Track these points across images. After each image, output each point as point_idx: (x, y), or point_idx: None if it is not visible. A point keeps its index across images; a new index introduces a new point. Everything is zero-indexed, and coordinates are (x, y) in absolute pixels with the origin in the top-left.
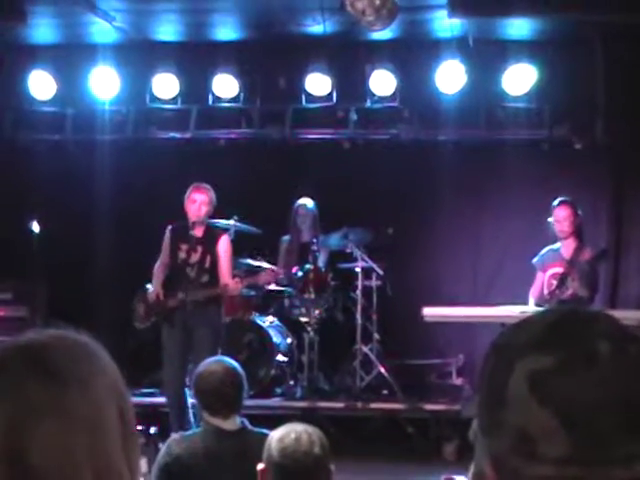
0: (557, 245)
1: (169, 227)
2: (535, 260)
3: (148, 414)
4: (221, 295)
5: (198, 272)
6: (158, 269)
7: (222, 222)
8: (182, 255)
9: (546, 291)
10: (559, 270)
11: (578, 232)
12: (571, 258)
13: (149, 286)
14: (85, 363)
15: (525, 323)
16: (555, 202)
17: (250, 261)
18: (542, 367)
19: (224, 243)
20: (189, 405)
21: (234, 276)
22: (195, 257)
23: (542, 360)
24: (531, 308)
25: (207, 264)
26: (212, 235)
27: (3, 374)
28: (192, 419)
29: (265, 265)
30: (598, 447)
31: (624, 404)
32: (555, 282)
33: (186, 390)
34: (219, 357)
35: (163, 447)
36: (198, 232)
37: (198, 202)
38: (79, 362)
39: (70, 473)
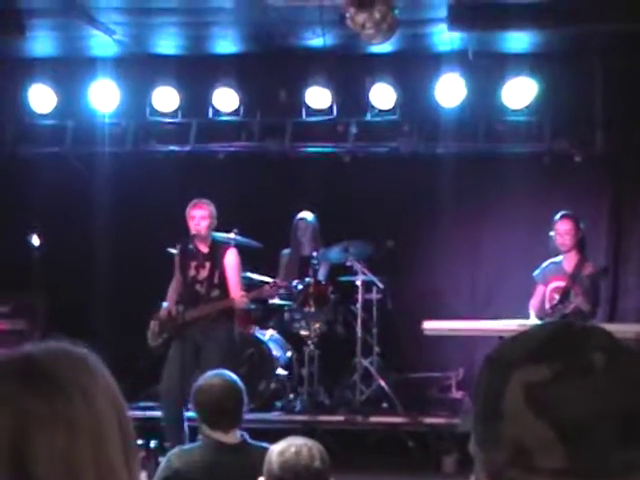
0: (559, 258)
1: (177, 245)
2: (536, 273)
3: (148, 428)
4: (231, 310)
5: (208, 288)
6: (173, 286)
7: (222, 235)
8: (191, 272)
9: (548, 305)
10: (561, 284)
11: (580, 246)
12: (573, 272)
13: (164, 304)
14: (85, 374)
15: (520, 336)
16: (557, 216)
17: (250, 275)
18: (538, 379)
19: (231, 256)
20: (185, 419)
21: (245, 290)
22: (204, 273)
23: (538, 372)
24: (531, 321)
25: (216, 279)
26: (218, 250)
27: (4, 386)
28: (187, 433)
29: (266, 279)
30: (594, 458)
31: (620, 415)
32: (557, 296)
33: (181, 404)
34: (219, 371)
35: (163, 461)
36: (204, 248)
37: (197, 217)
38: (80, 373)
39: None
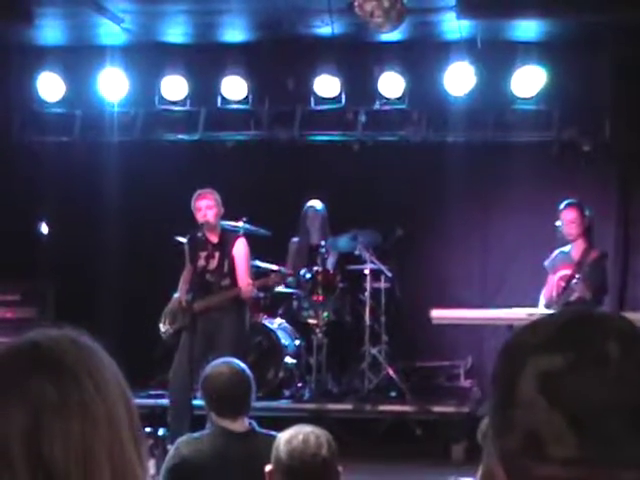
0: (568, 247)
1: (188, 235)
2: (546, 263)
3: (156, 416)
4: (242, 299)
5: (218, 277)
6: (184, 276)
7: (231, 224)
8: (201, 262)
9: (555, 293)
10: (568, 272)
11: (587, 234)
12: (580, 260)
13: (175, 294)
14: (92, 360)
15: (537, 324)
16: (562, 205)
17: (259, 263)
18: (552, 368)
19: (240, 246)
20: (190, 409)
21: (254, 279)
22: (213, 263)
23: (552, 361)
24: (539, 310)
25: (225, 268)
26: (228, 239)
27: (14, 373)
28: (189, 423)
29: (274, 267)
30: (607, 448)
31: (633, 406)
32: (563, 284)
33: (190, 394)
34: (227, 359)
35: (171, 449)
36: (214, 238)
37: (203, 208)
38: (87, 359)
39: (91, 471)
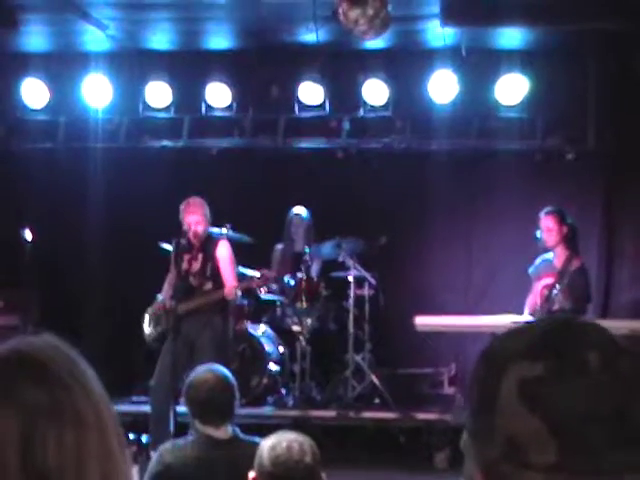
0: (550, 255)
1: (174, 240)
2: (530, 270)
3: (140, 423)
4: (225, 304)
5: (200, 280)
6: (168, 280)
7: (215, 231)
8: (185, 265)
9: (538, 302)
10: (551, 281)
11: (567, 242)
12: (562, 268)
13: (159, 296)
14: (77, 366)
15: (516, 332)
16: (541, 213)
17: (242, 269)
18: (532, 375)
19: (222, 248)
20: (171, 416)
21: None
22: (196, 266)
23: (533, 368)
24: (523, 318)
25: (208, 272)
26: (210, 242)
27: (4, 382)
28: (172, 430)
29: (257, 274)
30: (587, 456)
31: (614, 414)
32: (546, 292)
33: (170, 401)
34: (211, 366)
35: (154, 456)
36: (197, 242)
37: (192, 224)
38: (72, 365)
39: (83, 477)
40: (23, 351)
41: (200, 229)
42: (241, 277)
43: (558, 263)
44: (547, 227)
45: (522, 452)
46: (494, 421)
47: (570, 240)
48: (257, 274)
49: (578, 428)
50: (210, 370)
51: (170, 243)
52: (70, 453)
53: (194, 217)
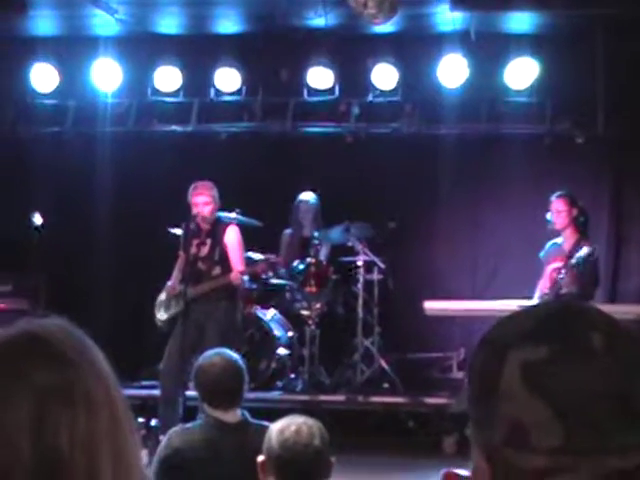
0: (560, 239)
1: (183, 224)
2: (541, 254)
3: (149, 407)
4: (233, 289)
5: (209, 265)
6: (178, 264)
7: (224, 215)
8: (193, 250)
9: (547, 285)
10: (560, 264)
11: (576, 225)
12: (570, 252)
13: (169, 282)
14: (88, 349)
15: (517, 315)
16: (552, 196)
17: (251, 254)
18: (536, 358)
19: (231, 233)
20: (180, 400)
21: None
22: (205, 250)
23: (536, 351)
24: (532, 302)
25: (216, 256)
26: (219, 227)
27: (16, 364)
28: (180, 414)
29: (262, 257)
30: (592, 437)
31: (617, 395)
32: (555, 276)
33: (179, 385)
34: (220, 350)
35: (163, 439)
36: (206, 226)
37: (200, 204)
38: (83, 348)
39: (95, 459)
40: (33, 332)
41: (208, 210)
42: (249, 262)
43: (567, 246)
44: (557, 209)
45: (526, 436)
46: (496, 406)
47: (580, 224)
48: (262, 257)
49: (583, 410)
50: (219, 354)
51: (179, 227)
52: (82, 434)
53: (202, 198)
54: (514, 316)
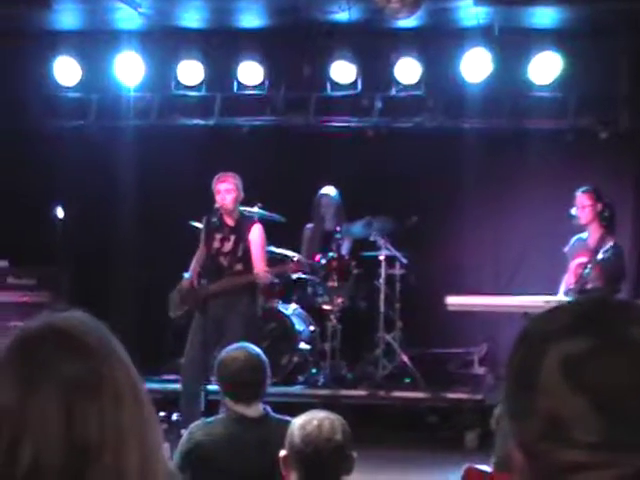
0: (585, 234)
1: (204, 217)
2: (566, 249)
3: (170, 401)
4: (254, 284)
5: (231, 261)
6: (196, 258)
7: (246, 209)
8: (216, 244)
9: (572, 280)
10: (585, 260)
11: (601, 220)
12: (595, 247)
13: (186, 275)
14: (112, 342)
15: (557, 310)
16: (577, 191)
17: (273, 249)
18: (576, 352)
19: (256, 231)
20: (202, 395)
21: (269, 265)
22: (228, 246)
23: (576, 345)
24: (556, 297)
25: (240, 253)
26: (244, 224)
27: (44, 355)
28: (201, 409)
29: (288, 253)
30: (632, 432)
31: None
32: (580, 271)
33: (201, 379)
34: (242, 344)
35: (185, 433)
36: (230, 221)
37: (222, 191)
38: (108, 341)
39: (122, 449)
40: (58, 325)
41: (230, 198)
42: (274, 259)
43: (592, 241)
44: (582, 204)
45: (565, 430)
46: (535, 400)
47: (605, 219)
48: (289, 254)
49: (622, 404)
50: (241, 348)
51: (201, 221)
52: (109, 426)
53: (225, 185)
54: (553, 311)
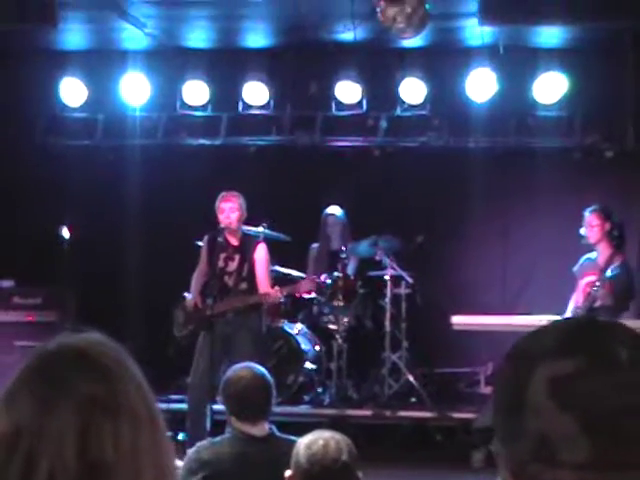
0: (594, 254)
1: (206, 236)
2: (574, 269)
3: (177, 420)
4: (261, 303)
5: (236, 280)
6: (196, 277)
7: (251, 229)
8: (220, 264)
9: (580, 299)
10: (593, 278)
11: (610, 239)
12: (604, 266)
13: (187, 294)
14: (128, 361)
15: (543, 330)
16: (586, 211)
17: (278, 268)
18: (562, 372)
19: (261, 251)
20: (208, 415)
21: (273, 285)
22: (233, 265)
23: (562, 365)
24: (562, 317)
25: (245, 272)
26: (248, 243)
27: (63, 375)
28: (208, 429)
29: (294, 272)
30: (619, 452)
31: None
32: (588, 290)
33: (207, 399)
34: (248, 363)
35: (191, 452)
36: (234, 241)
37: (227, 210)
38: (124, 362)
39: (137, 471)
40: (76, 345)
41: (235, 217)
42: (277, 278)
43: (601, 260)
44: (590, 223)
45: (553, 451)
46: (523, 420)
47: (614, 238)
48: (295, 273)
49: (610, 425)
50: (247, 367)
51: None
52: (125, 447)
53: (229, 204)
54: (540, 330)
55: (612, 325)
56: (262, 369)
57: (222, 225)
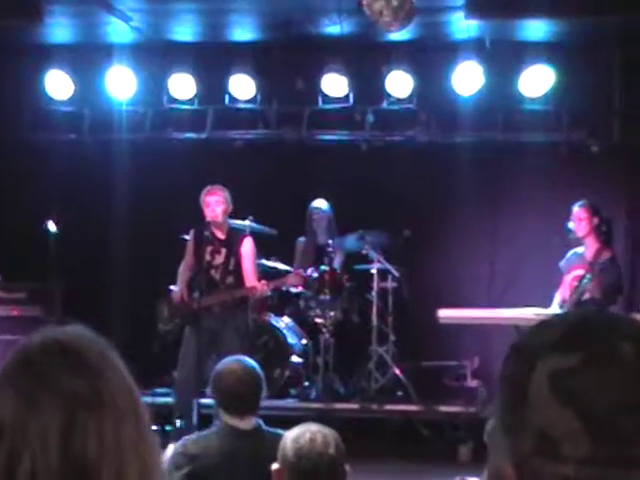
0: (581, 249)
1: (192, 230)
2: (561, 263)
3: (163, 414)
4: (247, 297)
5: (223, 274)
6: (182, 271)
7: (238, 223)
8: (207, 258)
9: (567, 293)
10: (581, 272)
11: (598, 233)
12: (592, 260)
13: (173, 287)
14: (112, 357)
15: (547, 324)
16: (575, 205)
17: (265, 262)
18: (564, 367)
19: (247, 245)
20: (195, 410)
21: (259, 278)
22: (219, 259)
23: (564, 360)
24: (547, 310)
25: (231, 266)
26: (235, 237)
27: (46, 371)
28: (195, 424)
29: (280, 266)
30: (621, 447)
31: None
32: (576, 284)
33: (195, 392)
34: (238, 357)
35: (178, 446)
36: (221, 234)
37: (212, 204)
38: (107, 356)
39: (121, 467)
40: (59, 340)
41: (220, 210)
42: (263, 272)
43: (589, 254)
44: (578, 217)
45: (554, 445)
46: (526, 415)
47: (602, 233)
48: (282, 267)
49: (611, 419)
50: (238, 361)
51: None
52: (108, 443)
53: (214, 198)
54: (543, 324)
55: (616, 319)
56: (253, 362)
57: (208, 219)
